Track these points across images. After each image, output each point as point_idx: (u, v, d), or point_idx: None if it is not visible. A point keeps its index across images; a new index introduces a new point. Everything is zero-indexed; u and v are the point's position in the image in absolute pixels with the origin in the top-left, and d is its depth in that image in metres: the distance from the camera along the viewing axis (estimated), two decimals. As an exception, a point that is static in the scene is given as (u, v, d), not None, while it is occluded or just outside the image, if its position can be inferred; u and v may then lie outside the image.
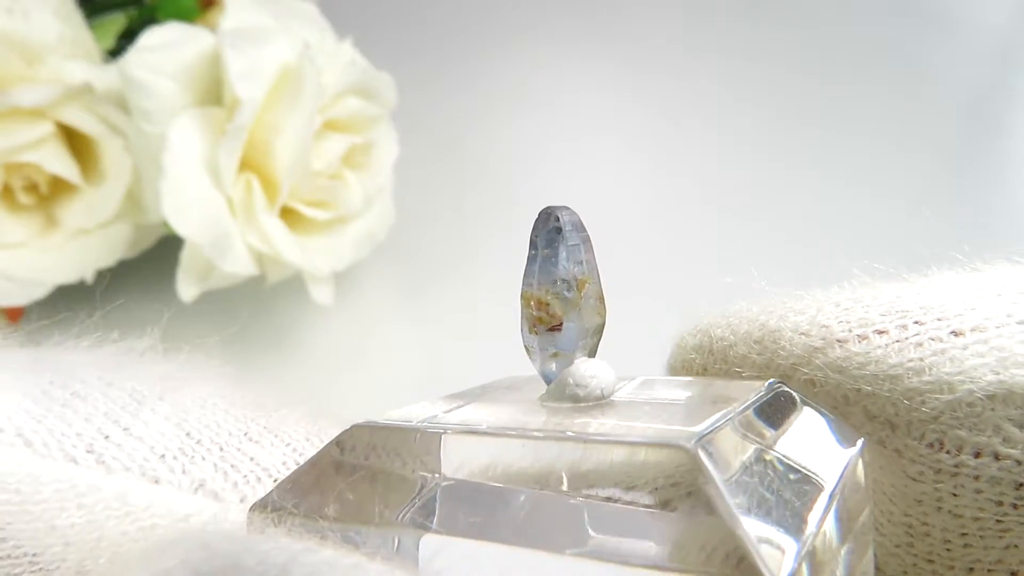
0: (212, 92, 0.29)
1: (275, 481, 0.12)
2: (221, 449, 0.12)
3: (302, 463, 0.12)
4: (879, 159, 0.43)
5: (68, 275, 0.29)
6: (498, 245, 0.36)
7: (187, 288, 0.29)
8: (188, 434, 0.12)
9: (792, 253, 0.36)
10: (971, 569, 0.11)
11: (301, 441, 0.13)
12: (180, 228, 0.27)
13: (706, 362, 0.13)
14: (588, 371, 0.12)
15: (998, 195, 0.42)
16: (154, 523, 0.11)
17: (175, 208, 0.27)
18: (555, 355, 0.12)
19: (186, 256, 0.29)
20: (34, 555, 0.11)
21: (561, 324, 0.12)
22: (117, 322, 0.14)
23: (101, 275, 0.30)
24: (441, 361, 0.32)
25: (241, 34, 0.28)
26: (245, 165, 0.29)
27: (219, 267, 0.28)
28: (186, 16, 0.32)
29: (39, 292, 0.29)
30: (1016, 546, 0.10)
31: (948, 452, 0.10)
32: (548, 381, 0.12)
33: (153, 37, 0.28)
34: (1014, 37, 0.55)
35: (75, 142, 0.29)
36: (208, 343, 0.31)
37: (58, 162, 0.28)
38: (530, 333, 0.12)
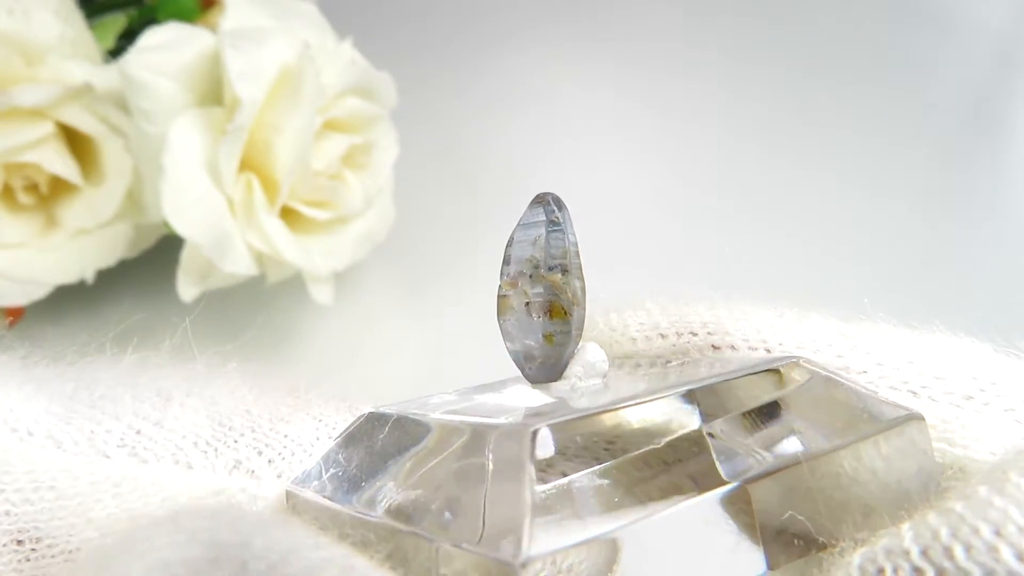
0: (212, 92, 0.29)
1: (310, 455, 0.12)
2: (253, 431, 0.13)
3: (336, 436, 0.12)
4: (879, 159, 0.43)
5: (68, 275, 0.29)
6: (498, 245, 0.35)
7: (187, 288, 0.29)
8: (220, 423, 0.13)
9: (792, 252, 0.36)
10: None
11: (331, 415, 0.13)
12: (180, 228, 0.27)
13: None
14: (598, 355, 0.12)
15: (998, 195, 0.42)
16: (191, 506, 0.12)
17: (175, 208, 0.27)
18: (560, 339, 0.12)
19: (186, 256, 0.29)
20: (70, 552, 0.11)
21: (572, 311, 0.12)
22: (118, 324, 0.14)
23: (101, 275, 0.30)
24: (441, 360, 0.32)
25: (241, 34, 0.28)
26: (245, 165, 0.29)
27: (219, 267, 0.28)
28: (186, 16, 0.32)
29: (39, 292, 0.29)
30: None
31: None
32: (551, 365, 0.12)
33: (153, 37, 0.28)
34: (1014, 37, 0.55)
35: (75, 142, 0.29)
36: (218, 348, 0.31)
37: (58, 162, 0.28)
38: (538, 318, 0.12)
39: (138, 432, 0.12)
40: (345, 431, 0.12)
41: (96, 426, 0.12)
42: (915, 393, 0.11)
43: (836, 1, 0.57)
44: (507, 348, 0.12)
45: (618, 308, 0.14)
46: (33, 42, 0.28)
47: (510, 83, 0.48)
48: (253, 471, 0.12)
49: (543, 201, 0.12)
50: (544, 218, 0.12)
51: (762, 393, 0.11)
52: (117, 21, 0.33)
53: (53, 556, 0.11)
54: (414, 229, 0.37)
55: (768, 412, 0.10)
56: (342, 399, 0.14)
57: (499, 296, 0.12)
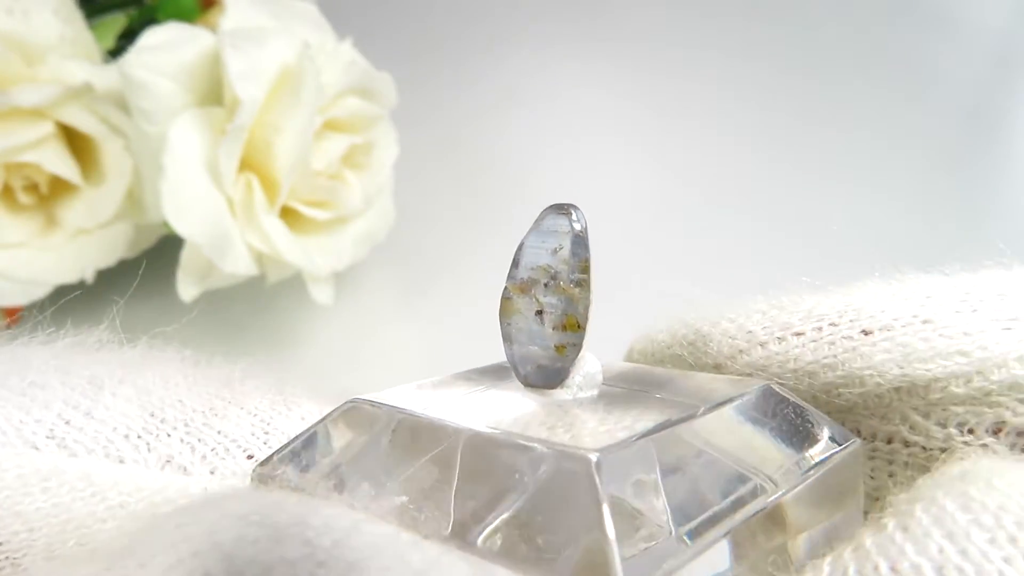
0: (212, 92, 0.29)
1: (244, 451, 0.12)
2: (186, 425, 0.12)
3: (298, 431, 0.12)
4: (879, 159, 0.43)
5: (68, 275, 0.29)
6: (498, 245, 0.36)
7: (187, 288, 0.29)
8: (152, 414, 0.12)
9: (792, 252, 0.36)
10: None
11: (268, 411, 0.13)
12: (180, 228, 0.27)
13: (649, 363, 0.14)
14: (597, 366, 0.12)
15: (998, 195, 0.42)
16: (122, 501, 0.11)
17: (175, 208, 0.27)
18: (571, 351, 0.12)
19: (186, 256, 0.29)
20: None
21: (585, 325, 0.12)
22: (118, 324, 0.14)
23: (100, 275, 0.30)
24: (441, 361, 0.32)
25: (241, 34, 0.28)
26: (245, 165, 0.29)
27: (219, 267, 0.28)
28: (186, 16, 0.32)
29: (39, 292, 0.29)
30: None
31: (864, 439, 0.12)
32: (553, 373, 0.12)
33: (153, 37, 0.28)
34: (1014, 37, 0.55)
35: (75, 142, 0.29)
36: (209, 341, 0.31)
37: (58, 162, 0.28)
38: (552, 329, 0.12)
39: (67, 423, 0.12)
40: (327, 418, 0.12)
41: (25, 415, 0.12)
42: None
43: (836, 1, 0.57)
44: (506, 349, 0.12)
45: (727, 316, 0.13)
46: (33, 42, 0.28)
47: (510, 83, 0.48)
48: (185, 468, 0.12)
49: (567, 212, 0.12)
50: (569, 230, 0.12)
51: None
52: (117, 21, 0.33)
53: None
54: (414, 229, 0.37)
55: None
56: (279, 392, 0.14)
57: (504, 298, 0.12)
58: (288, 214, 0.30)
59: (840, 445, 0.11)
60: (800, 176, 0.42)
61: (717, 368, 0.13)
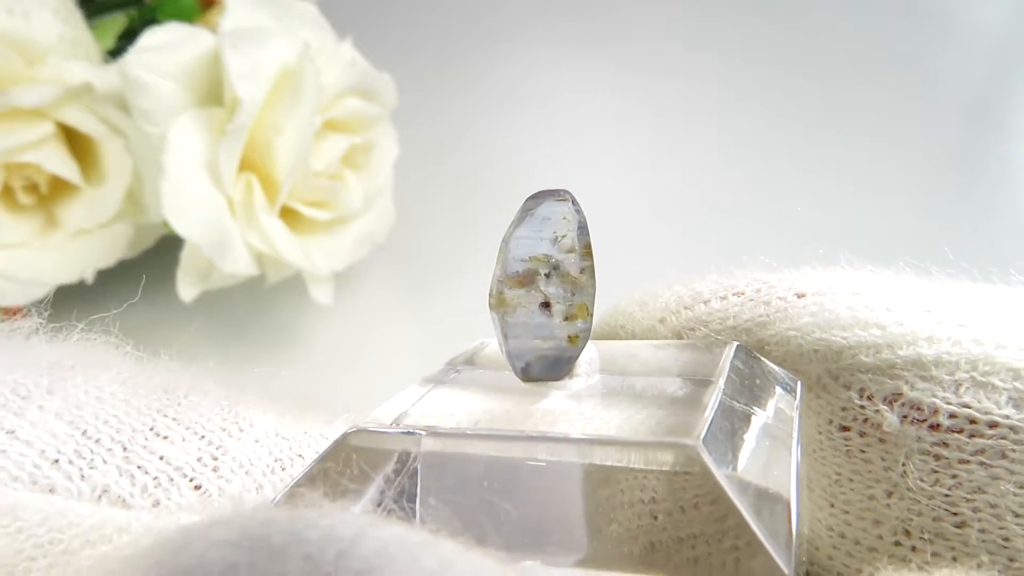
0: (212, 92, 0.29)
1: (191, 481, 0.11)
2: (124, 449, 0.11)
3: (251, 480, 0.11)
4: (879, 159, 0.43)
5: (68, 275, 0.29)
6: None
7: (187, 288, 0.29)
8: (84, 432, 0.11)
9: (792, 253, 0.36)
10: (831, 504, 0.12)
11: (217, 432, 0.12)
12: (180, 228, 0.27)
13: (613, 323, 0.15)
14: (594, 352, 0.12)
15: (998, 195, 0.42)
16: (52, 538, 0.10)
17: (175, 208, 0.27)
18: (583, 338, 0.12)
19: (186, 256, 0.29)
20: None
21: (593, 311, 0.12)
22: (118, 324, 0.14)
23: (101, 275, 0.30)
24: (441, 360, 0.32)
25: (241, 34, 0.28)
26: (245, 165, 0.29)
27: (219, 267, 0.28)
28: (186, 16, 0.32)
29: (39, 292, 0.29)
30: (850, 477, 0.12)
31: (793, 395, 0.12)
32: (561, 364, 0.12)
33: (153, 37, 0.28)
34: (1014, 37, 0.55)
35: (75, 142, 0.29)
36: (202, 343, 0.31)
37: (58, 162, 0.28)
38: (563, 319, 0.12)
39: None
40: (328, 453, 0.11)
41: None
42: (1013, 321, 0.11)
43: (836, 1, 0.57)
44: (506, 345, 0.12)
45: (681, 280, 0.14)
46: (33, 42, 0.28)
47: (510, 83, 0.48)
48: (124, 499, 0.11)
49: (565, 198, 0.12)
50: (571, 216, 0.12)
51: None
52: (117, 21, 0.33)
53: None
54: (414, 229, 0.37)
55: None
56: (229, 407, 0.12)
57: (497, 293, 0.12)
58: (288, 214, 0.30)
59: (795, 390, 0.12)
60: (800, 176, 0.42)
61: (661, 322, 0.13)
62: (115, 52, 0.31)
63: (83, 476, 0.11)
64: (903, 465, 0.11)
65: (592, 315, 0.12)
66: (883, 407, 0.11)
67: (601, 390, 0.11)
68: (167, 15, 0.32)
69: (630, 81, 0.50)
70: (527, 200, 0.12)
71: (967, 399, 0.11)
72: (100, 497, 0.11)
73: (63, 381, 0.11)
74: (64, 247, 0.30)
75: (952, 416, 0.11)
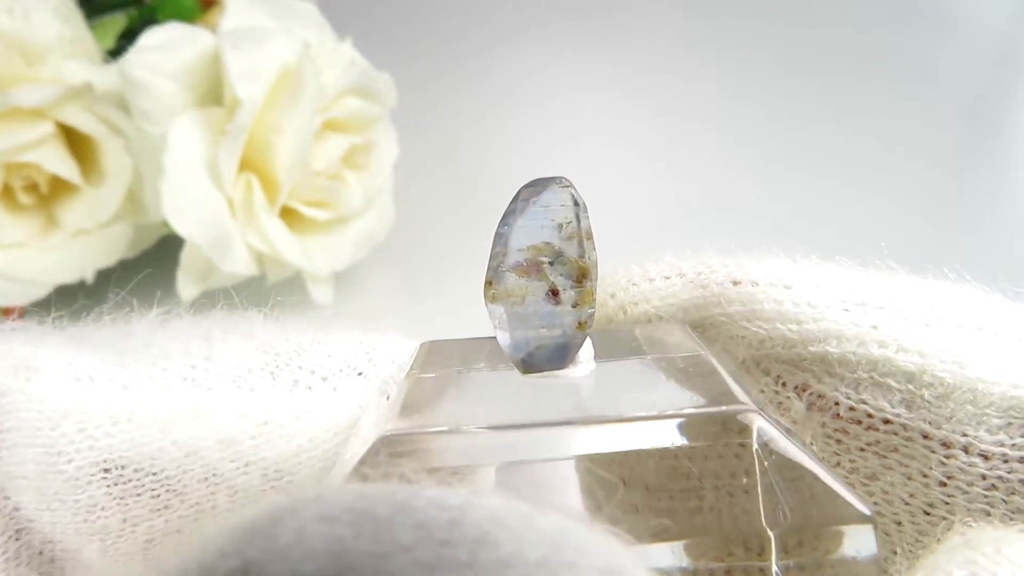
0: (212, 92, 0.29)
1: (355, 370, 0.13)
2: (299, 355, 0.13)
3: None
4: (879, 159, 0.43)
5: (68, 275, 0.29)
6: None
7: (187, 288, 0.29)
8: (264, 351, 0.13)
9: (791, 253, 0.36)
10: None
11: (363, 337, 0.14)
12: (180, 228, 0.27)
13: None
14: (588, 340, 0.12)
15: (998, 195, 0.42)
16: (267, 420, 0.13)
17: (175, 208, 0.27)
18: (590, 324, 0.12)
19: (186, 256, 0.29)
20: (155, 474, 0.12)
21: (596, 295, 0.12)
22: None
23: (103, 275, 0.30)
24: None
25: (241, 34, 0.28)
26: (245, 165, 0.29)
27: (219, 267, 0.28)
28: (186, 16, 0.32)
29: (39, 292, 0.29)
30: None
31: None
32: (564, 352, 0.12)
33: (153, 37, 0.28)
34: (1014, 37, 0.55)
35: (75, 142, 0.29)
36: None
37: (58, 162, 0.28)
38: (573, 306, 0.12)
39: (193, 367, 0.13)
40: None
41: (151, 367, 0.13)
42: (928, 324, 0.12)
43: (836, 1, 0.57)
44: (507, 338, 0.12)
45: (639, 261, 0.15)
46: (33, 42, 0.28)
47: (510, 83, 0.48)
48: (311, 387, 0.13)
49: (567, 186, 0.12)
50: (574, 203, 0.12)
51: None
52: (117, 21, 0.33)
53: (140, 480, 0.12)
54: (414, 229, 0.37)
55: None
56: (363, 330, 0.14)
57: (497, 284, 0.11)
58: (288, 214, 0.30)
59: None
60: (800, 176, 0.42)
61: (612, 296, 0.14)
62: (115, 52, 0.31)
63: (274, 376, 0.13)
64: (811, 446, 0.13)
65: (595, 299, 0.12)
66: (793, 395, 0.13)
67: (614, 375, 0.12)
68: (167, 15, 0.32)
69: (630, 81, 0.50)
70: (524, 188, 0.12)
71: (865, 396, 0.12)
72: (292, 389, 0.13)
73: (231, 329, 0.14)
74: (64, 247, 0.30)
75: (851, 409, 0.12)
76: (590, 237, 0.12)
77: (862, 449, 0.12)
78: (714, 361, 0.12)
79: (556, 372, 0.12)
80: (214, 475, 0.12)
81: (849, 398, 0.12)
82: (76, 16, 0.29)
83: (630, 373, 0.12)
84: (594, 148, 0.44)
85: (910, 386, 0.12)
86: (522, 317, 0.11)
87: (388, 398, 0.12)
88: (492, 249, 0.12)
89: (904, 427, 0.12)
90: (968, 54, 0.52)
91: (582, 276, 0.11)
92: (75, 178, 0.29)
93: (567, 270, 0.11)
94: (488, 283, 0.12)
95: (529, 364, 0.12)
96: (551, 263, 0.11)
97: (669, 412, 0.10)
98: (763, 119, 0.46)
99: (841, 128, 0.45)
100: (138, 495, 0.12)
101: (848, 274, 0.13)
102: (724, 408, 0.10)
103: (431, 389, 0.12)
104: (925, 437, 0.12)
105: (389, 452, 0.10)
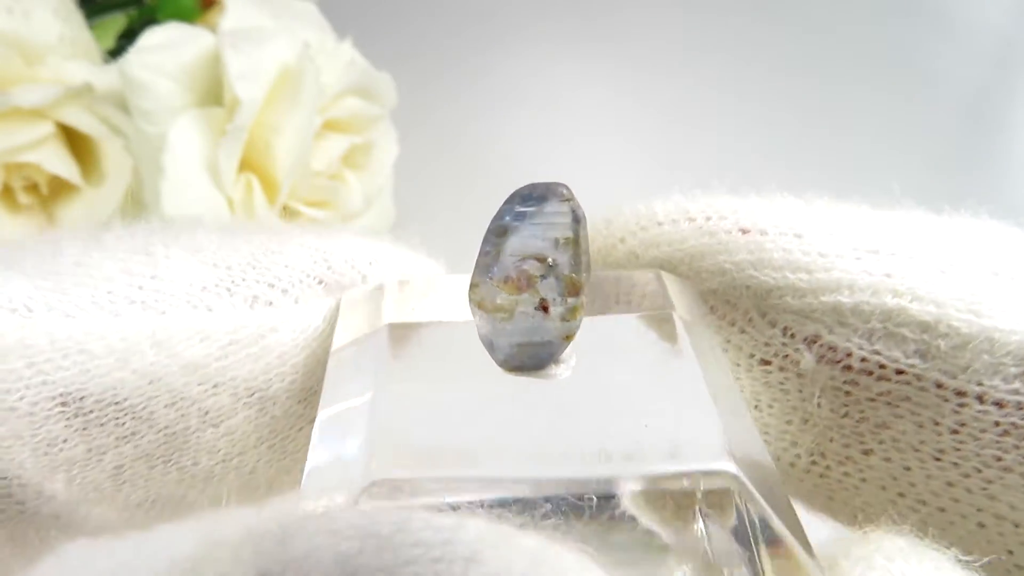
0: (212, 92, 0.29)
1: (318, 281, 0.13)
2: (254, 268, 0.13)
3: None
4: (879, 158, 0.43)
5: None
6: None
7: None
8: (215, 265, 0.12)
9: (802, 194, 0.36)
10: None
11: (316, 243, 0.13)
12: (180, 228, 0.27)
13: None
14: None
15: (998, 195, 0.42)
16: (231, 340, 0.12)
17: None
18: (574, 335, 0.12)
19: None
20: (116, 403, 0.12)
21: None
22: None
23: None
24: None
25: (241, 34, 0.28)
26: (245, 165, 0.29)
27: (219, 267, 0.28)
28: (186, 16, 0.32)
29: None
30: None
31: (725, 320, 0.13)
32: (547, 356, 0.11)
33: (153, 37, 0.28)
34: (1014, 37, 0.55)
35: (75, 142, 0.29)
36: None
37: (58, 162, 0.28)
38: (563, 321, 0.11)
39: (140, 288, 0.12)
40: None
41: (93, 291, 0.12)
42: (943, 271, 0.12)
43: (836, 1, 0.57)
44: (490, 339, 0.11)
45: (644, 201, 0.14)
46: (33, 42, 0.28)
47: (510, 83, 0.48)
48: (272, 302, 0.12)
49: (568, 198, 0.11)
50: (572, 219, 0.11)
51: None
52: (117, 21, 0.33)
53: (102, 410, 0.12)
54: (414, 229, 0.37)
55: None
56: (316, 232, 0.14)
57: (489, 296, 0.11)
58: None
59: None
60: (800, 176, 0.42)
61: (621, 241, 0.14)
62: (115, 52, 0.31)
63: (231, 292, 0.12)
64: (818, 398, 0.12)
65: (583, 310, 0.11)
66: (802, 346, 0.12)
67: (590, 381, 0.11)
68: (167, 15, 0.32)
69: (630, 80, 0.50)
70: (522, 194, 0.11)
71: (878, 346, 0.12)
72: (252, 304, 0.12)
73: (173, 241, 0.13)
74: (64, 247, 0.30)
75: (863, 360, 0.12)
76: (587, 251, 0.11)
77: (871, 399, 0.12)
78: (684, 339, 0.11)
79: (537, 372, 0.11)
80: (182, 399, 0.12)
81: (862, 349, 0.12)
82: (76, 16, 0.29)
83: (607, 375, 0.11)
84: (594, 148, 0.44)
85: (925, 336, 0.11)
86: (512, 329, 0.11)
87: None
88: (481, 247, 0.12)
89: (918, 377, 0.12)
90: (968, 54, 0.52)
91: (574, 290, 0.11)
92: (75, 178, 0.29)
93: (559, 285, 0.11)
94: (474, 285, 0.11)
95: (510, 365, 0.11)
96: (543, 276, 0.11)
97: (644, 474, 0.10)
98: (763, 119, 0.46)
99: (841, 127, 0.45)
100: (101, 425, 0.12)
101: (861, 218, 0.13)
102: (703, 487, 0.10)
103: (411, 392, 0.11)
104: (939, 386, 0.11)
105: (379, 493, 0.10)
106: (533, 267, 0.11)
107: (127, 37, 0.31)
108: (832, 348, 0.12)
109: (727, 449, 0.10)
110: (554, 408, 0.11)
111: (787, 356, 0.12)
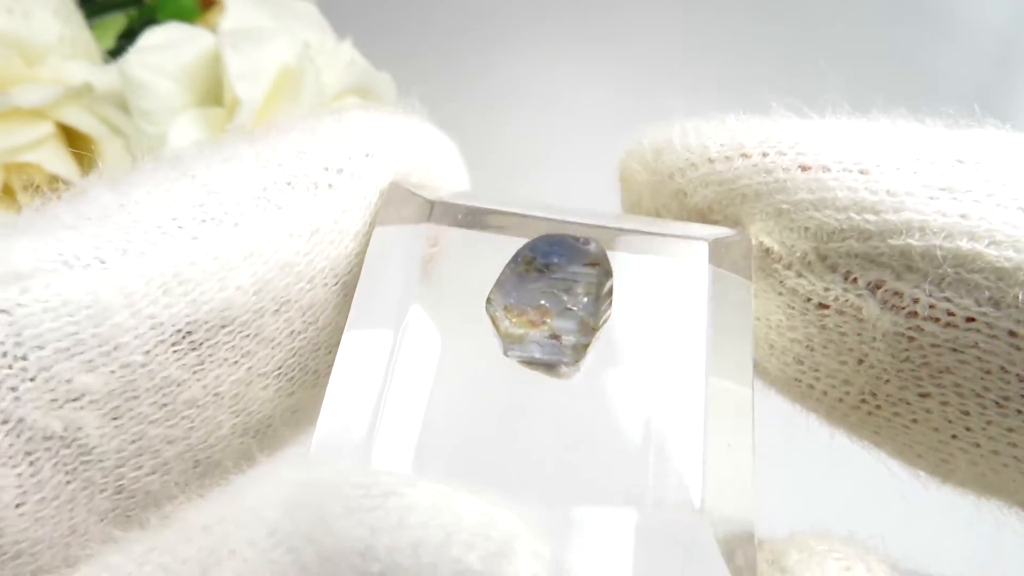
0: (212, 92, 0.29)
1: (365, 154, 0.13)
2: (302, 157, 0.12)
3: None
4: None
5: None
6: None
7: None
8: (264, 167, 0.12)
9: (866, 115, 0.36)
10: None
11: (312, 128, 0.13)
12: (180, 228, 0.27)
13: (626, 169, 0.16)
14: None
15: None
16: (312, 231, 0.12)
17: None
18: (583, 359, 0.11)
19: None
20: (225, 326, 0.11)
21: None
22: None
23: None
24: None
25: (241, 34, 0.28)
26: (245, 165, 0.29)
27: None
28: (186, 16, 0.32)
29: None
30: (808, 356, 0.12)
31: (780, 263, 0.12)
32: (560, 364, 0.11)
33: (153, 37, 0.28)
34: (1014, 37, 0.55)
35: (75, 142, 0.29)
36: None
37: (58, 162, 0.28)
38: (572, 349, 0.11)
39: (202, 205, 0.11)
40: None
41: (157, 222, 0.11)
42: (965, 216, 0.11)
43: (836, 1, 0.57)
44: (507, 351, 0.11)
45: (696, 127, 0.13)
46: (33, 42, 0.28)
47: (510, 83, 0.48)
48: (331, 184, 0.12)
49: (596, 261, 0.11)
50: (598, 278, 0.11)
51: None
52: (117, 21, 0.33)
53: (213, 338, 0.11)
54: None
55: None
56: (336, 110, 0.13)
57: (504, 328, 0.11)
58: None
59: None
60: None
61: (670, 177, 0.13)
62: (115, 52, 0.31)
63: (292, 186, 0.12)
64: (876, 342, 0.12)
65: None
66: (865, 292, 0.11)
67: (600, 392, 0.11)
68: (167, 15, 0.32)
69: (630, 80, 0.50)
70: (548, 243, 0.12)
71: (948, 293, 0.11)
72: (315, 194, 0.12)
73: (207, 160, 0.12)
74: (64, 247, 0.30)
75: (931, 307, 0.11)
76: (608, 300, 0.11)
77: (935, 345, 0.11)
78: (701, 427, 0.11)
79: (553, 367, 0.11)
80: (285, 303, 0.12)
81: (931, 296, 0.11)
82: (76, 16, 0.29)
83: (618, 389, 0.11)
84: (595, 148, 0.44)
85: (1001, 283, 0.11)
86: (516, 350, 0.11)
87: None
88: (513, 260, 0.12)
89: (989, 325, 0.11)
90: (968, 54, 0.52)
91: (590, 330, 0.11)
92: (75, 178, 0.29)
93: (576, 325, 0.11)
94: (490, 301, 0.11)
95: (522, 359, 0.11)
96: (560, 313, 0.11)
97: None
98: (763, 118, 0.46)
99: (841, 128, 0.45)
100: (212, 356, 0.11)
101: (933, 146, 0.12)
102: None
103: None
104: (1011, 335, 0.11)
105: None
106: (551, 302, 0.11)
107: (127, 37, 0.31)
108: (898, 294, 0.11)
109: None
110: (552, 422, 0.11)
111: (847, 301, 0.12)
